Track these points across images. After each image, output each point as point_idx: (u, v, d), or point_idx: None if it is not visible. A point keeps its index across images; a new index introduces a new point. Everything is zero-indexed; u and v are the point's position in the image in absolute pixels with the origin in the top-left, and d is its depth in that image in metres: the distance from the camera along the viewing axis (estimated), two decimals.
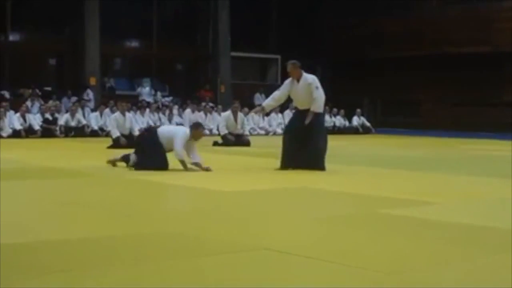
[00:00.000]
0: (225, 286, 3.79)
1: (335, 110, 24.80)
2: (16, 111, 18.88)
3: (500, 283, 3.94)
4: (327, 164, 10.00)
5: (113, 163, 10.03)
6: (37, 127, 18.76)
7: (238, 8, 27.73)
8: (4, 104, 19.20)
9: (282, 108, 21.69)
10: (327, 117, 21.93)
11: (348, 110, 24.90)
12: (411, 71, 27.30)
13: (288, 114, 23.42)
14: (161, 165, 9.52)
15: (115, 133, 14.57)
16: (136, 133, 14.33)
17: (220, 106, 23.32)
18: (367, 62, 28.08)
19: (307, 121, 9.97)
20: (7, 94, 22.43)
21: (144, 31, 27.86)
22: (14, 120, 18.51)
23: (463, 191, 8.30)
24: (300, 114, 10.24)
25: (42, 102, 21.21)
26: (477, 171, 10.75)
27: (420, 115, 27.69)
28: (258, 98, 26.84)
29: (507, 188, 8.09)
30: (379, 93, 27.88)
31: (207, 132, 21.25)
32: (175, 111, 23.08)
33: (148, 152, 9.58)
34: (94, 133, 19.57)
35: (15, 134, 18.09)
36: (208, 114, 22.37)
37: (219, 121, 18.47)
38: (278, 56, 29.48)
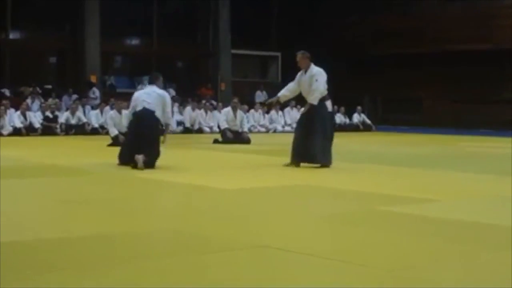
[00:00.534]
0: (225, 284, 3.79)
1: (335, 107, 24.71)
2: (16, 109, 18.86)
3: (500, 280, 3.94)
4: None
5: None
6: (37, 125, 18.74)
7: (239, 6, 27.69)
8: (4, 102, 19.17)
9: (282, 105, 21.67)
10: None
11: (348, 107, 24.87)
12: (412, 69, 27.26)
13: (289, 111, 23.48)
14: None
15: (113, 132, 14.58)
16: None
17: (220, 104, 23.28)
18: (368, 59, 28.04)
19: (304, 111, 10.11)
20: (7, 92, 22.39)
21: (144, 29, 27.80)
22: (14, 118, 18.50)
23: (463, 189, 8.29)
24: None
25: (43, 100, 21.19)
26: (477, 168, 10.73)
27: (421, 113, 27.66)
28: (258, 95, 26.83)
29: (508, 185, 8.08)
30: (379, 90, 27.87)
31: (207, 129, 21.33)
32: (175, 108, 23.03)
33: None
34: (94, 131, 19.53)
35: (16, 132, 18.07)
36: (209, 112, 22.34)
37: (219, 118, 18.45)
38: (279, 54, 29.46)
